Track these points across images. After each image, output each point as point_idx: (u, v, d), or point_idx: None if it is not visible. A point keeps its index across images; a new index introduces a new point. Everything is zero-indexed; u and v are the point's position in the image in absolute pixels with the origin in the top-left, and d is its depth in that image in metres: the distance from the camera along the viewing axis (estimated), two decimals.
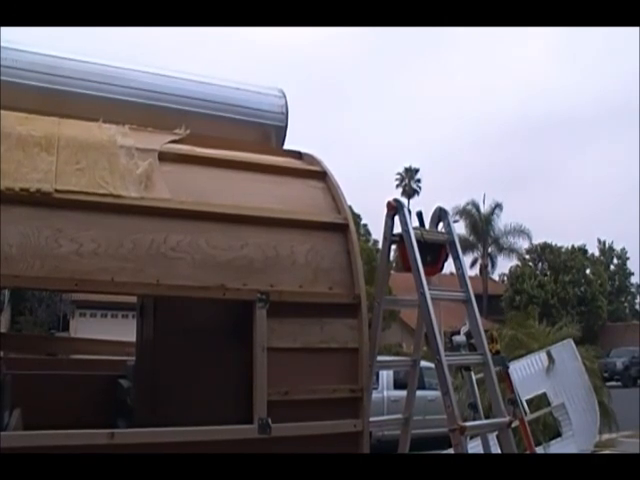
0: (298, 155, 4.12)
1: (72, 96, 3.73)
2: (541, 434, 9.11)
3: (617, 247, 56.98)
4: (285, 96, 4.36)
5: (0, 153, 3.01)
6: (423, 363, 4.64)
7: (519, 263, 48.78)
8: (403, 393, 4.76)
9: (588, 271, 48.47)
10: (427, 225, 4.09)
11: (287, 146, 4.31)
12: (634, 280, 57.71)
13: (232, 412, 3.34)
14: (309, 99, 59.66)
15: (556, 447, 8.91)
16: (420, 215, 4.06)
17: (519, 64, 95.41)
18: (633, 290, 58.61)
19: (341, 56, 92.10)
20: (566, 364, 9.42)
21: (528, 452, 5.51)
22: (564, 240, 49.29)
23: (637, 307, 57.52)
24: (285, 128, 4.33)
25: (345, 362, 3.40)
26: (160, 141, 3.56)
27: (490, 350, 3.96)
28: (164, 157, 3.44)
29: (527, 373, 9.23)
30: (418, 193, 59.87)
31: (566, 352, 9.57)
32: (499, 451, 4.19)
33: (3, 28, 3.42)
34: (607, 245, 57.30)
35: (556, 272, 46.26)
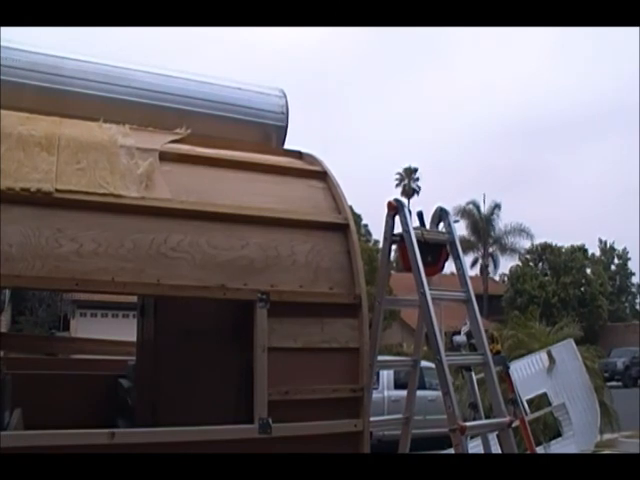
0: (298, 155, 4.12)
1: (73, 96, 3.73)
2: (541, 434, 9.10)
3: (619, 247, 57.11)
4: (286, 96, 4.36)
5: (0, 153, 3.01)
6: (423, 363, 4.64)
7: (520, 263, 48.74)
8: (403, 393, 4.76)
9: (589, 271, 48.45)
10: (427, 225, 4.09)
11: (287, 146, 4.31)
12: (635, 280, 57.86)
13: (232, 412, 3.34)
14: (309, 99, 59.68)
15: (556, 447, 8.89)
16: (420, 215, 4.07)
17: (519, 64, 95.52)
18: (634, 290, 58.67)
19: (341, 56, 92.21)
20: (567, 364, 9.39)
21: (528, 452, 5.51)
22: (564, 240, 49.38)
23: (638, 307, 57.54)
24: (285, 128, 4.33)
25: (345, 362, 3.39)
26: (161, 141, 3.56)
27: (490, 350, 3.96)
28: (165, 157, 3.44)
29: (528, 373, 9.21)
30: (418, 193, 59.94)
31: (567, 352, 9.54)
32: (499, 451, 4.19)
33: (3, 28, 3.42)
34: (608, 245, 57.34)
35: (557, 272, 46.22)
